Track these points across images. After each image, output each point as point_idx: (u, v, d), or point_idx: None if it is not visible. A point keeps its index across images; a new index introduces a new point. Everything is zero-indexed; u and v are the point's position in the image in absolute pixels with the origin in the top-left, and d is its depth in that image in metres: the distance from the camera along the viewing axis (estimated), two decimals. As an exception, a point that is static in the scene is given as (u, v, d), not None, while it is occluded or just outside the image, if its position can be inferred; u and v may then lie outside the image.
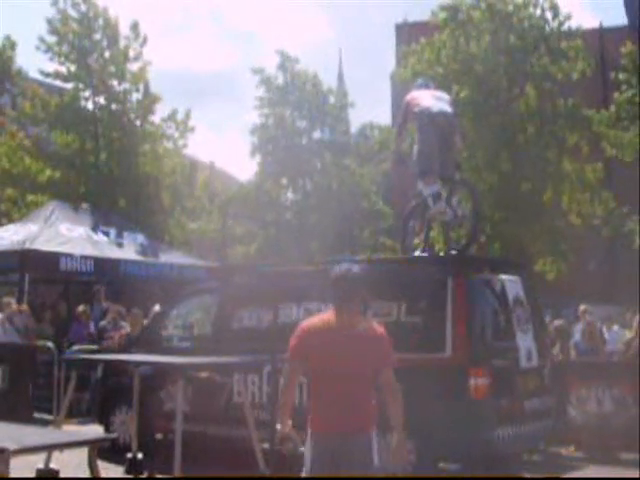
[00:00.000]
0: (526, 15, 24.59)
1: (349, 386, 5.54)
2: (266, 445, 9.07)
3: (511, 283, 10.44)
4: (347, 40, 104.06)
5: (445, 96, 11.41)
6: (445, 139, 10.73)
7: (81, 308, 16.97)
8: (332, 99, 35.37)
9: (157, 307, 14.77)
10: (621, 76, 23.30)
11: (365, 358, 5.59)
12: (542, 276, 23.54)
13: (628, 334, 14.44)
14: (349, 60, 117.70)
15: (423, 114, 10.67)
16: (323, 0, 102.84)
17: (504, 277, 10.42)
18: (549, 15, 24.68)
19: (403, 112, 11.29)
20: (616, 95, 23.57)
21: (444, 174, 10.78)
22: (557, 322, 14.03)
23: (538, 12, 24.75)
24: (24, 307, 16.18)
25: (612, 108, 23.77)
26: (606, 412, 11.79)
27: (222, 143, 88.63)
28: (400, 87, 28.46)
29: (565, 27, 24.71)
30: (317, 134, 34.76)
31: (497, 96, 24.20)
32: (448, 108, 10.91)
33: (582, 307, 15.00)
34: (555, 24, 24.72)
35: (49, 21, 24.78)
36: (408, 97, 11.21)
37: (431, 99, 10.90)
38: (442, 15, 24.84)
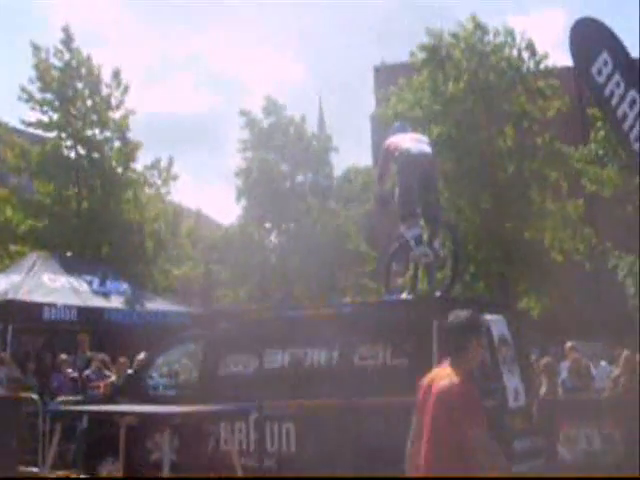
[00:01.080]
0: (504, 55, 24.89)
1: None
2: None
3: (496, 323, 10.43)
4: (326, 85, 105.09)
5: (424, 138, 11.48)
6: (426, 180, 10.78)
7: (63, 357, 16.83)
8: (315, 143, 35.57)
9: (142, 355, 14.69)
10: (598, 112, 23.56)
11: None
12: (527, 314, 23.58)
13: (615, 370, 14.42)
14: (329, 104, 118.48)
15: (403, 156, 10.72)
16: (300, 46, 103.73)
17: (489, 317, 10.41)
18: (526, 55, 24.99)
19: (383, 157, 11.35)
20: (593, 132, 23.82)
21: (426, 216, 10.82)
22: (545, 360, 14.01)
23: (515, 52, 25.05)
24: (4, 356, 16.04)
25: (591, 145, 24.02)
26: (595, 450, 11.74)
27: (205, 189, 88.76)
28: (380, 128, 28.67)
29: (542, 66, 25.00)
30: (300, 178, 34.90)
31: (477, 135, 24.39)
32: (428, 149, 10.97)
33: (569, 344, 14.98)
34: (532, 63, 25.02)
35: (34, 67, 24.79)
36: (387, 142, 11.27)
37: (410, 141, 10.97)
38: (421, 55, 25.08)
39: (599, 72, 11.46)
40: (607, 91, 11.45)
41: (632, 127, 11.38)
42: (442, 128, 24.06)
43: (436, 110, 24.46)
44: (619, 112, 11.44)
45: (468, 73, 24.43)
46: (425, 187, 10.76)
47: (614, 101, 11.44)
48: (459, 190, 24.05)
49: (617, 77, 11.43)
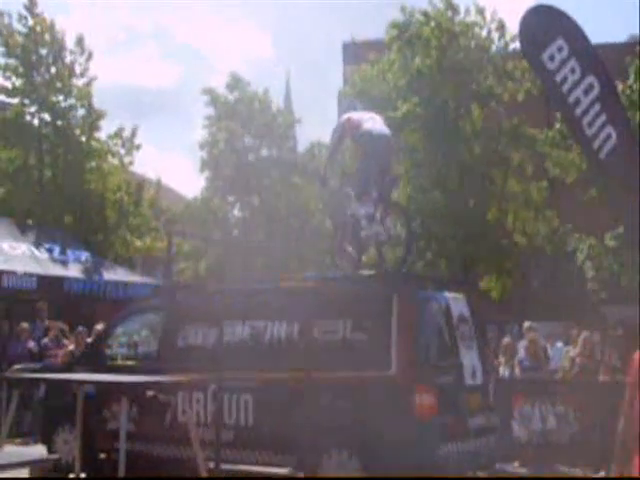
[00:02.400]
0: (473, 35, 24.91)
1: None
2: (211, 464, 9.01)
3: (456, 301, 10.53)
4: (293, 59, 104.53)
5: (378, 117, 11.50)
6: (384, 162, 10.89)
7: (23, 326, 16.72)
8: (280, 118, 35.48)
9: (100, 325, 14.65)
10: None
11: None
12: (487, 293, 23.78)
13: (572, 351, 14.62)
14: (296, 79, 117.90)
15: (365, 137, 10.78)
16: (267, 20, 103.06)
17: (449, 295, 10.51)
18: (495, 35, 25.03)
19: (339, 133, 11.38)
20: (559, 115, 23.95)
21: (381, 196, 10.89)
22: (506, 339, 14.18)
23: (484, 33, 25.08)
24: None
25: (556, 128, 24.18)
26: (549, 428, 11.91)
27: (167, 161, 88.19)
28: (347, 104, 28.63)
29: (511, 47, 25.05)
30: (265, 152, 34.80)
31: (444, 115, 24.44)
32: (386, 130, 11.06)
33: (527, 324, 15.16)
34: (501, 44, 25.08)
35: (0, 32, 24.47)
36: (343, 119, 11.32)
37: (370, 122, 11.01)
38: (392, 32, 25.04)
39: (551, 58, 11.51)
40: (559, 77, 11.51)
41: (585, 112, 11.47)
42: (409, 105, 24.05)
43: (401, 86, 24.44)
44: (571, 98, 11.52)
45: (436, 51, 24.42)
46: (382, 169, 10.86)
47: (566, 87, 11.51)
48: (424, 169, 24.12)
49: (572, 63, 11.49)
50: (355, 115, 11.31)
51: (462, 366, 10.09)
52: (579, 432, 11.66)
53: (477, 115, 24.81)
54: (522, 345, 14.59)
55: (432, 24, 24.75)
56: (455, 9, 25.06)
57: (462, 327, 10.35)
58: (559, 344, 17.55)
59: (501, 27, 24.98)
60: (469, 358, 10.27)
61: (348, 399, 9.61)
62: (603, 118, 11.45)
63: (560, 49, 11.50)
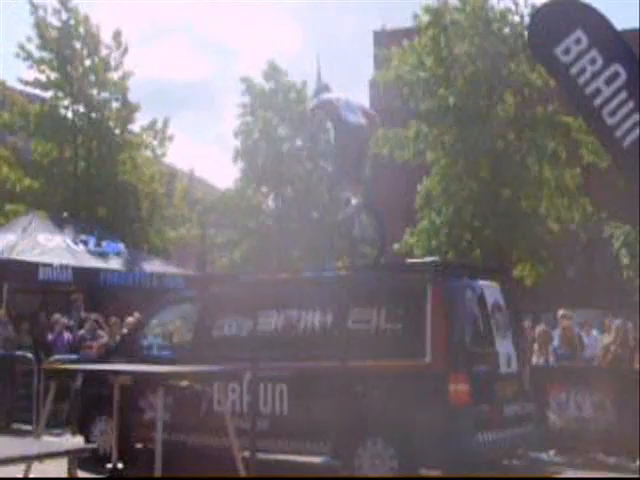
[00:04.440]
0: (507, 21, 24.69)
1: None
2: (247, 453, 9.06)
3: (490, 289, 10.50)
4: (323, 49, 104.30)
5: (353, 102, 11.51)
6: (359, 155, 11.01)
7: (55, 317, 16.88)
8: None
9: (131, 318, 14.79)
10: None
11: None
12: (521, 281, 23.65)
13: (606, 339, 14.51)
14: (326, 68, 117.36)
15: (342, 127, 10.91)
16: (296, 10, 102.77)
17: (483, 283, 10.47)
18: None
19: (326, 103, 11.44)
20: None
21: (360, 181, 11.01)
22: (540, 327, 14.11)
23: (517, 19, 24.84)
24: (1, 313, 16.13)
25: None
26: (585, 417, 11.85)
27: (200, 153, 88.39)
28: (379, 92, 28.53)
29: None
30: (299, 142, 34.74)
31: (477, 102, 24.28)
32: (363, 120, 11.11)
33: (561, 312, 15.04)
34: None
35: (33, 25, 24.66)
36: (333, 97, 11.39)
37: (348, 112, 11.08)
38: (425, 18, 24.86)
39: (566, 51, 11.35)
40: (575, 69, 11.36)
41: (607, 101, 11.30)
42: (450, 93, 23.91)
43: (439, 74, 24.31)
44: (588, 89, 11.36)
45: (471, 38, 24.22)
46: (359, 156, 10.97)
47: (583, 78, 11.35)
48: (457, 157, 23.99)
49: (593, 53, 11.32)
50: (334, 99, 11.37)
51: (497, 354, 10.07)
52: (615, 420, 11.58)
53: (511, 103, 24.61)
54: (556, 333, 14.51)
55: (467, 10, 24.56)
56: (488, -6, 24.84)
57: (497, 315, 10.32)
58: (594, 332, 17.41)
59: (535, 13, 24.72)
60: (504, 346, 10.24)
61: (383, 388, 9.63)
62: (630, 106, 11.30)
63: (578, 41, 11.34)
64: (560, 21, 11.42)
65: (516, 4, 24.60)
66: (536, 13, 11.88)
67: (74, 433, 13.37)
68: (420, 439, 9.30)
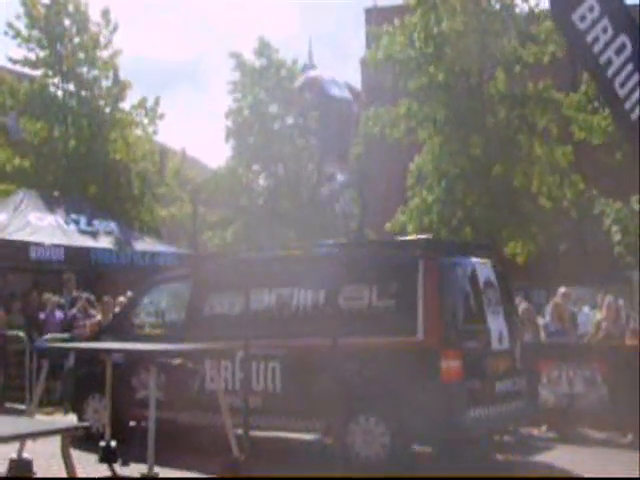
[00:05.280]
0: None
1: None
2: (239, 431, 9.09)
3: (481, 266, 10.51)
4: (315, 26, 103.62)
5: (339, 81, 11.56)
6: (344, 126, 11.04)
7: (46, 296, 16.86)
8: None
9: (123, 297, 14.80)
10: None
11: None
12: (512, 258, 23.70)
13: (598, 315, 14.57)
14: (318, 45, 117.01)
15: (326, 100, 10.92)
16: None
17: (474, 260, 10.49)
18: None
19: (311, 83, 11.48)
20: (585, 78, 23.67)
21: (342, 157, 11.05)
22: (524, 304, 14.13)
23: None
24: None
25: (581, 90, 23.93)
26: (577, 393, 11.91)
27: (190, 130, 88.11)
28: (371, 70, 28.45)
29: (536, 10, 24.68)
30: (290, 120, 34.66)
31: (467, 80, 24.24)
32: (347, 94, 11.15)
33: (562, 289, 14.99)
34: (525, 6, 24.75)
35: (21, 3, 24.50)
36: (318, 74, 11.43)
37: (335, 86, 11.12)
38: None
39: (582, 18, 11.30)
40: (590, 37, 11.32)
41: (617, 73, 11.26)
42: (439, 71, 23.86)
43: (428, 53, 24.24)
44: (602, 58, 11.31)
45: (461, 15, 24.13)
46: (342, 132, 10.99)
47: (597, 47, 11.30)
48: (448, 135, 23.97)
49: (605, 22, 11.27)
50: (319, 76, 11.40)
51: (489, 331, 10.10)
52: (606, 396, 11.65)
53: (501, 79, 24.57)
54: (549, 310, 14.57)
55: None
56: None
57: (488, 292, 10.34)
58: (586, 309, 17.49)
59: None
60: (496, 323, 10.27)
61: (375, 365, 9.66)
62: (636, 78, 11.28)
63: (591, 8, 11.29)
64: None
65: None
66: None
67: (67, 411, 13.40)
68: (412, 416, 9.34)
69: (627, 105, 11.45)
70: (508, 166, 23.89)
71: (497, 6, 24.49)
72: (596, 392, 11.78)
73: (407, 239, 11.53)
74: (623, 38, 11.37)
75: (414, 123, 24.44)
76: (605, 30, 11.35)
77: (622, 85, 11.33)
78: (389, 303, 9.90)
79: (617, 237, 24.61)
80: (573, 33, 11.81)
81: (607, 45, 11.32)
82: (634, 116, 11.43)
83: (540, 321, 14.06)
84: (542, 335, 13.51)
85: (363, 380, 9.73)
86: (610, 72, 11.37)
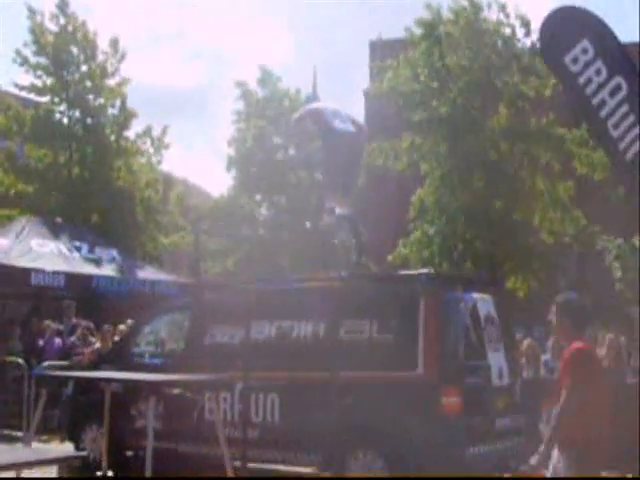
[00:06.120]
0: (500, 33, 24.76)
1: None
2: (237, 463, 9.05)
3: (483, 301, 10.49)
4: (317, 59, 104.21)
5: (342, 112, 11.58)
6: (348, 158, 11.08)
7: (45, 323, 16.84)
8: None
9: (123, 325, 14.78)
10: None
11: None
12: (513, 293, 23.67)
13: (599, 352, 14.50)
14: (321, 78, 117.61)
15: (327, 133, 10.97)
16: (291, 19, 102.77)
17: (476, 295, 10.48)
18: (521, 32, 24.81)
19: (313, 112, 11.52)
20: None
21: (345, 188, 11.09)
22: (527, 341, 14.09)
23: (508, 30, 24.89)
24: None
25: (584, 126, 24.03)
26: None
27: (193, 160, 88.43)
28: (374, 102, 28.58)
29: (538, 45, 24.78)
30: (292, 151, 34.74)
31: (470, 114, 24.34)
32: (350, 128, 11.18)
33: None
34: (527, 41, 24.90)
35: (30, 30, 24.67)
36: (321, 106, 11.49)
37: (336, 119, 11.14)
38: (418, 31, 24.93)
39: (574, 60, 11.39)
40: (582, 79, 11.40)
41: (611, 114, 11.34)
42: (442, 104, 23.98)
43: (432, 86, 24.37)
44: (595, 100, 11.39)
45: (465, 51, 24.30)
46: (347, 165, 11.03)
47: (590, 89, 11.38)
48: (451, 169, 24.03)
49: (598, 64, 11.36)
50: (322, 108, 11.45)
51: (489, 367, 10.07)
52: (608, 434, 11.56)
53: (504, 114, 24.68)
54: (549, 346, 14.51)
55: (461, 22, 24.64)
56: (478, 6, 24.89)
57: (489, 328, 10.32)
58: (586, 345, 17.39)
59: (525, 24, 24.77)
60: (496, 359, 10.24)
61: (374, 399, 9.62)
62: (631, 119, 11.33)
63: (585, 50, 11.38)
64: (568, 29, 11.45)
65: (507, 15, 24.69)
66: (546, 20, 11.86)
67: (63, 440, 13.34)
68: (411, 451, 9.29)
69: (621, 145, 11.50)
70: (510, 201, 23.93)
71: (499, 42, 24.65)
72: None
73: (408, 273, 11.50)
74: (618, 79, 11.43)
75: (417, 156, 24.51)
76: (599, 72, 11.41)
77: (616, 126, 11.37)
78: (390, 337, 9.88)
79: (618, 274, 24.61)
80: (565, 75, 11.90)
81: (601, 86, 11.39)
82: (630, 155, 11.48)
83: (541, 357, 14.01)
84: (542, 372, 13.45)
85: (362, 414, 9.68)
86: (603, 113, 11.42)
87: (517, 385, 10.70)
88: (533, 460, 6.44)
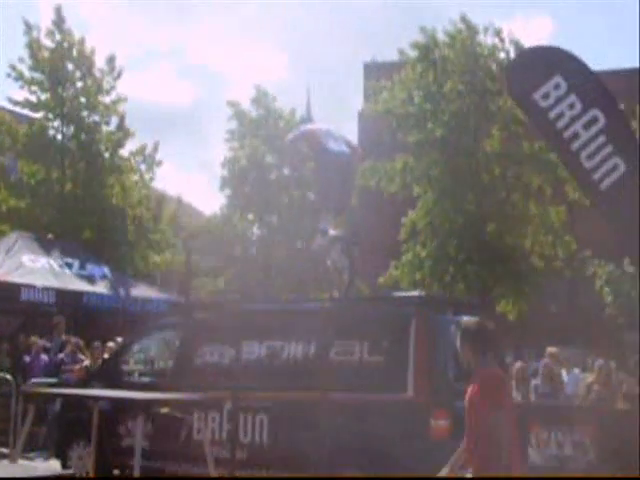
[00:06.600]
0: (495, 58, 24.90)
1: None
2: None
3: (473, 324, 10.47)
4: (310, 79, 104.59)
5: (336, 132, 11.66)
6: (342, 182, 11.13)
7: (32, 339, 16.75)
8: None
9: (112, 343, 14.71)
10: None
11: None
12: (504, 316, 23.69)
13: (589, 378, 14.51)
14: (314, 99, 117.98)
15: (325, 155, 11.02)
16: (285, 40, 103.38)
17: (466, 318, 10.46)
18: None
19: (307, 133, 11.58)
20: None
21: (338, 210, 11.13)
22: (518, 364, 14.09)
23: (503, 55, 25.04)
24: None
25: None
26: (566, 455, 11.82)
27: (184, 178, 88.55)
28: (368, 123, 28.66)
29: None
30: (286, 170, 34.79)
31: (464, 137, 24.44)
32: (345, 148, 11.25)
33: (552, 349, 14.95)
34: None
35: (27, 46, 24.69)
36: (315, 127, 11.57)
37: (330, 140, 11.20)
38: (413, 53, 25.05)
39: (545, 96, 11.56)
40: (553, 114, 11.56)
41: (585, 145, 11.48)
42: (438, 127, 24.08)
43: (426, 109, 24.47)
44: (567, 133, 11.54)
45: (460, 74, 24.44)
46: (342, 185, 11.08)
47: (562, 123, 11.54)
48: (443, 190, 24.11)
49: (572, 99, 11.53)
50: (316, 129, 11.53)
51: (479, 390, 10.03)
52: (595, 460, 11.55)
53: (497, 138, 24.79)
54: (539, 370, 14.50)
55: (457, 46, 24.78)
56: (474, 29, 25.05)
57: (479, 351, 10.29)
58: (576, 370, 17.42)
59: (520, 49, 24.91)
60: (486, 382, 10.21)
61: (364, 421, 9.59)
62: (609, 149, 11.46)
63: (557, 86, 11.54)
64: (540, 67, 11.65)
65: (502, 40, 24.85)
66: (516, 59, 12.19)
67: (49, 457, 13.25)
68: (399, 473, 9.25)
69: (596, 176, 11.63)
70: (501, 224, 24.02)
71: (494, 66, 24.79)
72: (585, 455, 11.69)
73: (400, 295, 11.50)
74: (595, 112, 11.59)
75: (410, 178, 24.58)
76: (572, 106, 11.57)
77: (590, 157, 11.51)
78: (380, 359, 9.86)
79: (609, 298, 24.67)
80: (534, 111, 12.06)
81: (574, 120, 11.54)
82: (604, 185, 11.60)
83: (531, 382, 14.00)
84: (531, 396, 13.44)
85: (351, 435, 9.65)
86: (576, 145, 11.57)
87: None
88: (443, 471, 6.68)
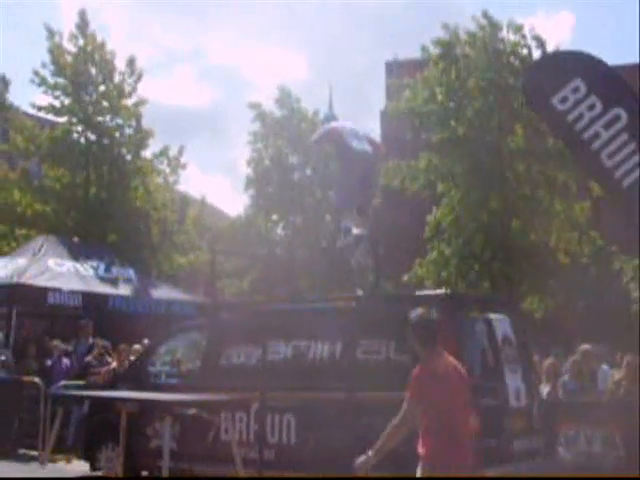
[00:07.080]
0: (518, 54, 24.77)
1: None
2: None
3: (500, 322, 10.44)
4: (332, 79, 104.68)
5: (362, 133, 11.59)
6: (363, 177, 11.06)
7: (54, 343, 16.82)
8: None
9: (138, 345, 14.76)
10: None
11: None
12: (530, 314, 23.56)
13: (617, 374, 14.38)
14: (336, 99, 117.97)
15: (346, 153, 10.97)
16: (306, 40, 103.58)
17: (493, 316, 10.42)
18: (537, 53, 24.80)
19: (330, 132, 11.55)
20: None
21: (361, 209, 11.08)
22: (549, 360, 13.99)
23: (525, 51, 24.90)
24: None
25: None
26: (595, 452, 11.74)
27: (208, 179, 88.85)
28: (391, 122, 28.59)
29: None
30: (309, 171, 34.79)
31: (488, 134, 24.32)
32: (367, 147, 11.19)
33: (585, 346, 14.79)
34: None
35: (49, 51, 24.84)
36: (338, 125, 11.54)
37: (353, 138, 11.16)
38: (435, 50, 24.96)
39: (563, 100, 11.50)
40: (571, 116, 11.49)
41: (605, 144, 11.41)
42: (460, 125, 24.00)
43: (449, 107, 24.38)
44: (586, 134, 11.47)
45: (482, 71, 24.31)
46: (363, 184, 11.02)
47: (581, 124, 11.48)
48: (468, 188, 24.01)
49: (592, 100, 11.46)
50: (339, 127, 11.49)
51: (506, 388, 9.99)
52: (625, 456, 11.47)
53: (521, 134, 24.65)
54: (566, 367, 14.39)
55: (478, 43, 24.67)
56: (496, 26, 24.92)
57: (506, 349, 10.25)
58: (605, 367, 17.27)
59: (541, 45, 24.77)
60: (513, 380, 10.17)
61: (391, 420, 9.55)
62: (632, 147, 11.38)
63: (576, 90, 11.48)
64: (557, 72, 11.61)
65: (523, 37, 24.71)
66: (533, 66, 12.14)
67: (78, 459, 13.31)
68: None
69: (617, 174, 11.54)
70: (527, 221, 23.88)
71: (517, 62, 24.65)
72: (614, 452, 11.61)
73: (425, 294, 11.46)
74: (617, 111, 11.50)
75: (434, 176, 24.49)
76: (592, 107, 11.50)
77: (611, 155, 11.42)
78: (406, 357, 9.82)
79: (635, 294, 24.46)
80: (552, 115, 11.99)
81: (593, 120, 11.48)
82: (627, 183, 11.51)
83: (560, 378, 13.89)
84: (560, 393, 13.34)
85: (379, 434, 9.62)
86: (596, 145, 11.49)
87: (535, 406, 10.61)
88: (359, 460, 6.76)
